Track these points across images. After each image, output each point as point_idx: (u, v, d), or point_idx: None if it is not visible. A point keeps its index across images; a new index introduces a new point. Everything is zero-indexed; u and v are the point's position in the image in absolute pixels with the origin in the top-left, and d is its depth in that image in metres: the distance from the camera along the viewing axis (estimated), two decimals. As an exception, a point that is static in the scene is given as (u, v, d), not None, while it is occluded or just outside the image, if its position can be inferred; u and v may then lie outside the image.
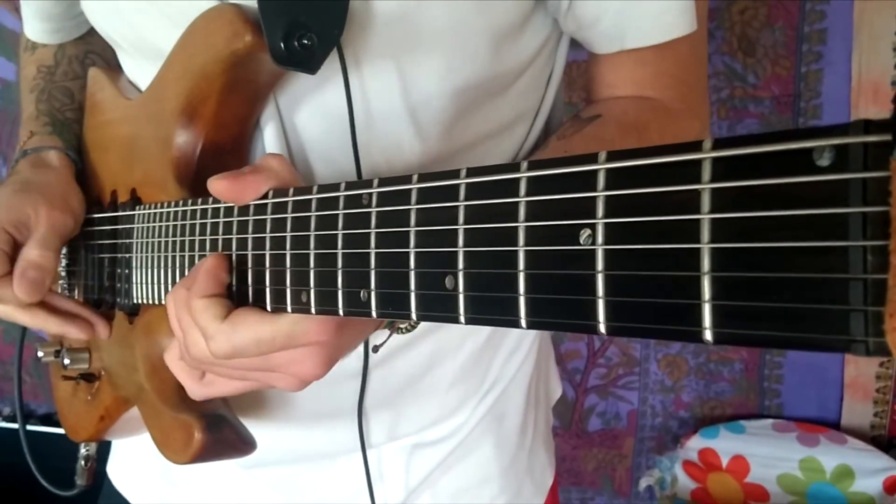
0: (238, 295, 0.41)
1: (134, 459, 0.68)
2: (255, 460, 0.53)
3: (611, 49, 0.51)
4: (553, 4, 0.50)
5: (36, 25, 0.67)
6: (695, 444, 1.37)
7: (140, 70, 0.56)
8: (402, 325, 0.48)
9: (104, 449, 0.71)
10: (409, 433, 0.60)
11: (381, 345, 0.50)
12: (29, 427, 0.67)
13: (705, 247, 0.20)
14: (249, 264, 0.40)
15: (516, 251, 0.25)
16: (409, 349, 0.56)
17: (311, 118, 0.48)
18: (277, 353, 0.38)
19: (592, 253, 0.23)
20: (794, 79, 1.36)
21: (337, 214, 0.33)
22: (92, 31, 0.68)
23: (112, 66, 0.63)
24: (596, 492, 1.66)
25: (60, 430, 0.65)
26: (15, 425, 1.47)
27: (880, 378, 1.35)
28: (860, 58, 1.17)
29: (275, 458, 0.58)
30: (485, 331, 0.60)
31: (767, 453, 1.34)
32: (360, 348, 0.52)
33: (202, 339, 0.39)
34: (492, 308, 0.26)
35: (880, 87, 1.25)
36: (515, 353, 0.63)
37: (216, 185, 0.40)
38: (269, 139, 0.48)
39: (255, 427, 0.50)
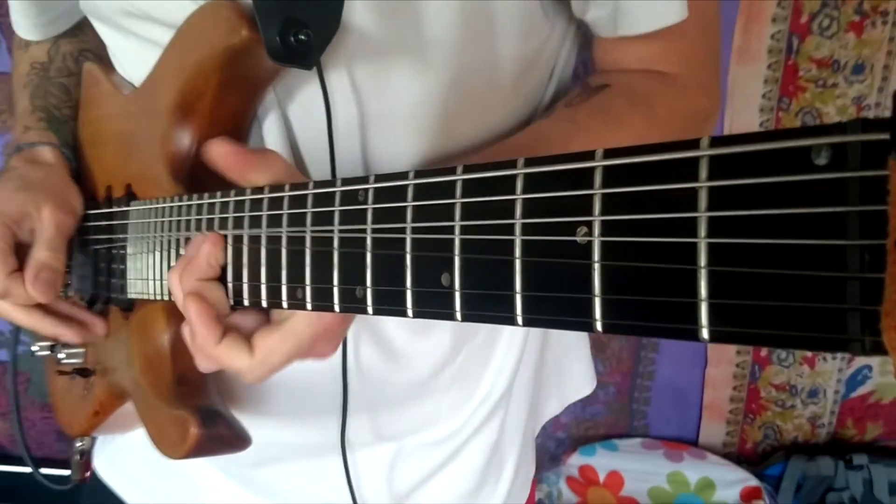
0: (233, 291, 0.41)
1: (124, 454, 0.68)
2: (246, 460, 0.52)
3: (610, 35, 0.51)
4: None
5: (28, 21, 0.65)
6: (575, 461, 1.50)
7: (134, 60, 0.55)
8: None
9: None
10: (395, 437, 0.60)
11: None
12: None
13: (702, 244, 0.20)
14: (244, 260, 0.39)
15: (513, 248, 0.25)
16: (395, 357, 0.56)
17: (302, 113, 0.48)
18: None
19: (589, 250, 0.23)
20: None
21: (333, 211, 0.33)
22: (86, 29, 0.67)
23: (107, 62, 0.63)
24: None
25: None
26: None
27: (733, 401, 1.50)
28: (732, 115, 1.31)
29: (256, 458, 0.58)
30: (479, 338, 0.60)
31: (639, 468, 1.47)
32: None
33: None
34: (488, 305, 0.26)
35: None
36: (509, 356, 0.62)
37: (217, 146, 0.41)
38: (269, 132, 0.48)
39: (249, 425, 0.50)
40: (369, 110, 0.47)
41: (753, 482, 1.42)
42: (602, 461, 1.48)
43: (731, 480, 1.43)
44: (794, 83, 1.28)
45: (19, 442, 0.65)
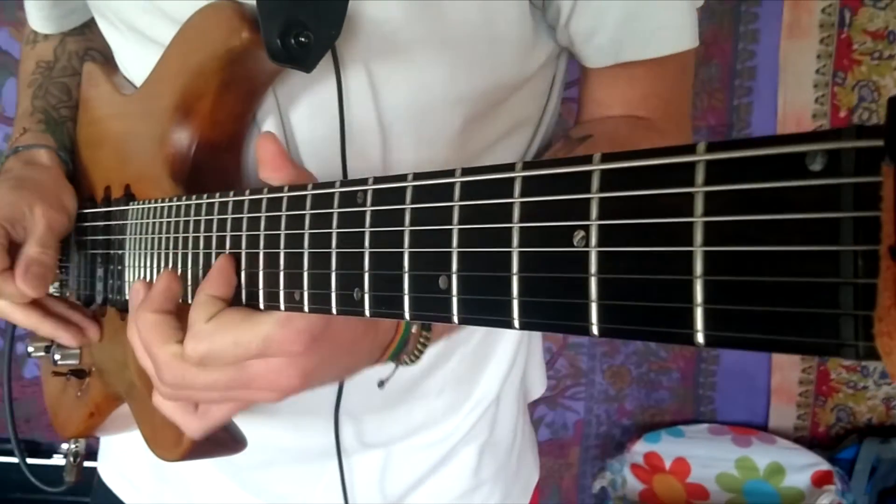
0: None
1: (125, 457, 0.68)
2: (243, 462, 0.52)
3: (604, 63, 0.51)
4: (551, 16, 0.50)
5: (42, 14, 0.65)
6: (640, 448, 1.48)
7: (136, 59, 0.55)
8: (406, 358, 0.47)
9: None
10: (396, 438, 0.60)
11: (387, 379, 0.49)
12: None
13: (698, 250, 0.20)
14: (243, 262, 0.40)
15: (510, 252, 0.25)
16: None
17: (309, 117, 0.48)
18: (252, 363, 0.37)
19: (586, 255, 0.23)
20: (728, 110, 1.49)
21: (331, 213, 0.33)
22: (93, 27, 0.67)
23: (112, 62, 0.63)
24: (543, 501, 1.71)
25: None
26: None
27: (802, 383, 1.47)
28: (785, 93, 1.30)
29: (252, 460, 0.58)
30: (473, 341, 0.60)
31: (706, 454, 1.45)
32: None
33: (173, 353, 0.39)
34: (485, 309, 0.26)
35: (802, 119, 1.40)
36: (503, 362, 0.62)
37: (269, 143, 0.39)
38: None
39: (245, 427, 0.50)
40: (385, 114, 0.47)
41: (825, 466, 1.39)
42: (668, 448, 1.46)
43: (802, 465, 1.40)
44: (848, 57, 1.25)
45: (13, 440, 0.65)
